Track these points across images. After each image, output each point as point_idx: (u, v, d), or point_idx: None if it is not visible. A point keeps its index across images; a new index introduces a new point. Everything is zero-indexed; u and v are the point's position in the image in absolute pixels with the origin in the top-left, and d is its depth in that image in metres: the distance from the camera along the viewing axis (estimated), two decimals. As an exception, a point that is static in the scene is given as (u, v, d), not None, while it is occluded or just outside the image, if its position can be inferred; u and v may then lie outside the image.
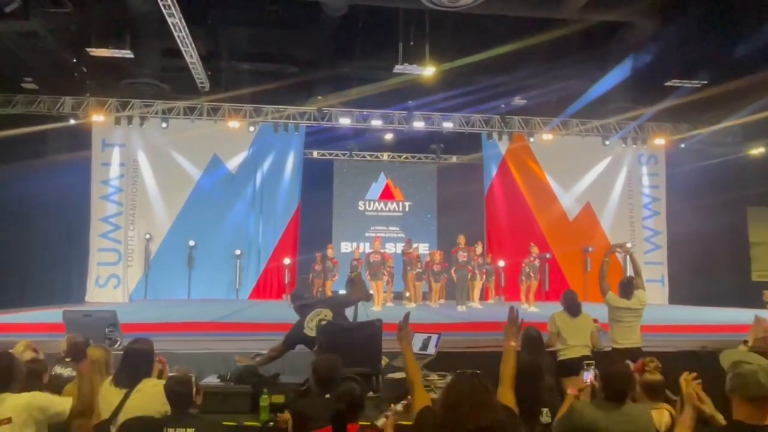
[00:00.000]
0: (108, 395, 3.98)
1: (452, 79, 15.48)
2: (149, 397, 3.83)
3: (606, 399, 3.60)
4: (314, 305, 5.82)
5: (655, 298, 17.36)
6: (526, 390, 3.56)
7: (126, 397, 3.91)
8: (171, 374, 3.96)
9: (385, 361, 5.48)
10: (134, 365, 4.10)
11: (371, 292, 12.75)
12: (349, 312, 6.40)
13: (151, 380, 4.06)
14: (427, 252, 17.10)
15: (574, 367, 5.52)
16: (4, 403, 3.31)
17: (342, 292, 9.25)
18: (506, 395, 3.21)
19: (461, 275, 14.20)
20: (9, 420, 3.27)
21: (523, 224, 18.20)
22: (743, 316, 9.59)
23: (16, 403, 3.33)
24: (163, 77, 15.85)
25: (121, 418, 3.82)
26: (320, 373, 3.97)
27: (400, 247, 17.68)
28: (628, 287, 6.59)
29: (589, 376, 3.97)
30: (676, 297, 17.75)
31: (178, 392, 3.57)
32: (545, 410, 4.05)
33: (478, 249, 15.49)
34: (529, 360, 3.77)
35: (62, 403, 3.59)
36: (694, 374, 3.19)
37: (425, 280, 15.63)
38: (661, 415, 3.95)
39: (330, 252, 15.58)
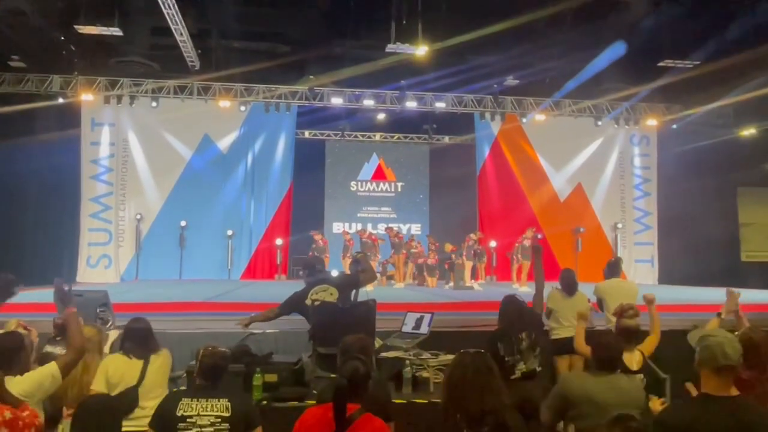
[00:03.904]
0: (122, 366, 4.14)
1: (445, 59, 15.37)
2: (159, 370, 4.20)
3: (597, 369, 3.70)
4: (324, 280, 5.81)
5: (645, 277, 17.51)
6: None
7: (146, 363, 4.16)
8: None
9: (379, 342, 5.49)
10: (140, 339, 4.28)
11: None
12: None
13: (158, 357, 4.28)
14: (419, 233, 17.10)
15: (566, 346, 5.60)
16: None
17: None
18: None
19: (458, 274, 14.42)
20: None
21: (515, 205, 18.26)
22: (732, 295, 9.68)
23: (16, 386, 3.31)
24: (153, 56, 15.65)
25: (146, 383, 4.09)
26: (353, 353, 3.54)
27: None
28: (614, 267, 6.75)
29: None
30: (666, 277, 17.93)
31: (218, 365, 3.62)
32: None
33: (473, 237, 15.51)
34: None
35: (49, 373, 3.54)
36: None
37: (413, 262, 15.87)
38: (633, 355, 4.34)
39: (317, 237, 15.73)
